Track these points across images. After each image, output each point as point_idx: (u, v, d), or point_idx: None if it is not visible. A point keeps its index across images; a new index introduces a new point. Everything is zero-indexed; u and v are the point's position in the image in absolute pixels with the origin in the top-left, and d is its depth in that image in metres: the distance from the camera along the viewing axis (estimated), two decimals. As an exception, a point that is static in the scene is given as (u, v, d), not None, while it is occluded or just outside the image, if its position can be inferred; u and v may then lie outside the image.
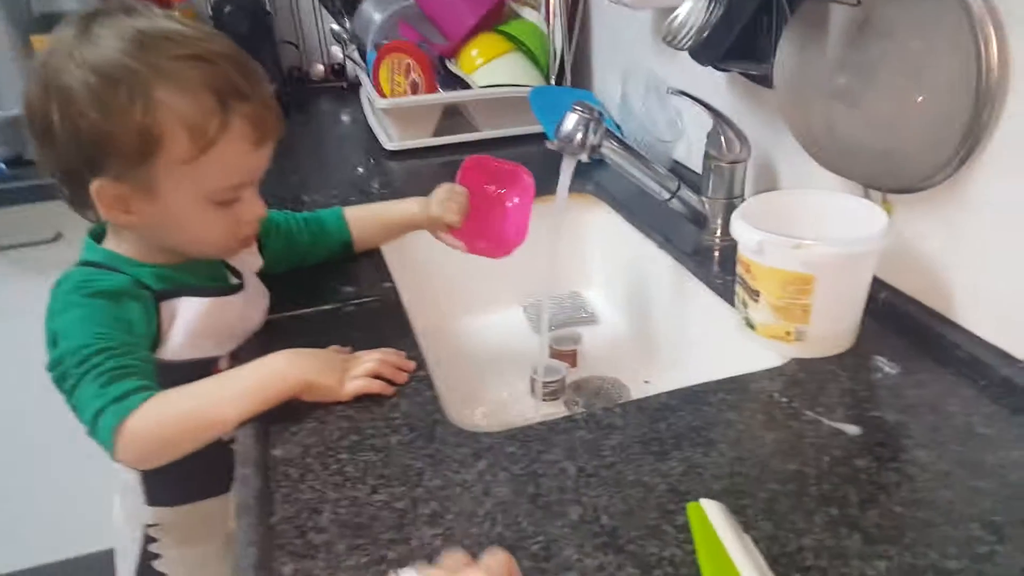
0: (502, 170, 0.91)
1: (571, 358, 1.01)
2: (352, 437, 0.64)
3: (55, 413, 1.51)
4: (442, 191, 0.88)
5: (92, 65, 0.60)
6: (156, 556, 0.83)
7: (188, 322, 0.71)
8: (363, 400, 0.68)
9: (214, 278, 0.76)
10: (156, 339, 0.70)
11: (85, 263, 0.70)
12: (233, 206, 0.69)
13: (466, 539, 0.53)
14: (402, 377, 0.70)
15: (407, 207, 0.90)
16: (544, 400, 0.95)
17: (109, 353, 0.62)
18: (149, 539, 0.83)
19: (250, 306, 0.78)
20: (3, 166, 1.35)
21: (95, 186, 0.63)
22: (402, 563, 0.51)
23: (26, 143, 1.38)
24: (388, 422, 0.65)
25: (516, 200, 0.90)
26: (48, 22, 1.48)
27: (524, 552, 0.51)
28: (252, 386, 0.65)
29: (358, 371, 0.68)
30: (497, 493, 0.57)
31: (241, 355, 0.76)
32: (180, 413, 0.63)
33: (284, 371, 0.66)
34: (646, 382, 0.96)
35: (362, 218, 0.92)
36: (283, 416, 0.66)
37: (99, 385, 0.61)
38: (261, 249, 0.84)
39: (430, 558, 0.51)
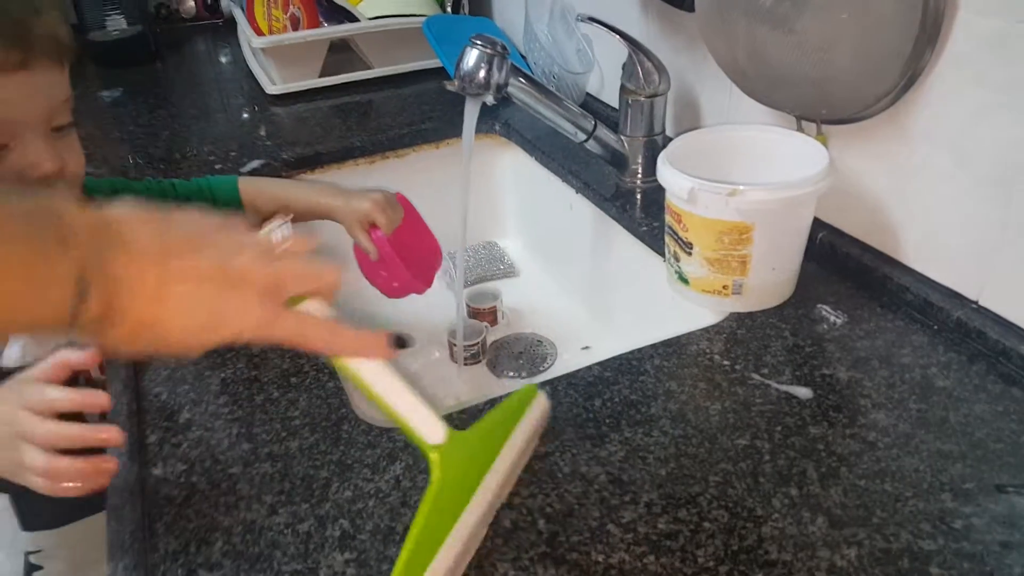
0: (425, 235, 0.78)
1: (491, 316, 0.91)
2: (244, 446, 0.52)
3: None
4: (381, 195, 0.74)
5: None
6: None
7: None
8: (255, 399, 0.56)
9: None
10: None
11: None
12: (9, 157, 0.53)
13: (383, 561, 0.43)
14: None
15: (324, 196, 0.75)
16: (465, 364, 0.85)
17: None
18: (32, 567, 0.70)
19: None
20: None
21: None
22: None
23: None
24: (285, 424, 0.54)
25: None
26: None
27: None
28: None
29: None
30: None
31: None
32: None
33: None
34: (585, 348, 0.86)
35: (262, 193, 0.77)
36: (161, 424, 0.54)
37: None
38: None
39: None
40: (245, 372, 0.59)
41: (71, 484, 0.45)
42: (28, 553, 0.70)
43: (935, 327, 0.57)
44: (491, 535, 0.45)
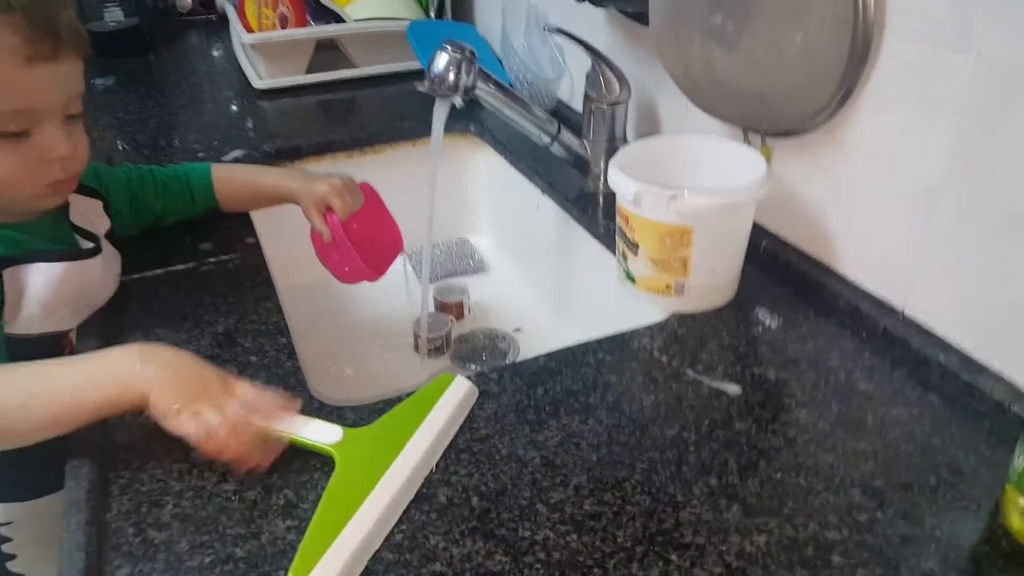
0: (387, 224, 0.78)
1: (457, 310, 0.92)
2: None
3: None
4: (340, 180, 0.74)
5: None
6: (11, 556, 0.71)
7: (41, 290, 0.58)
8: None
9: (59, 240, 0.62)
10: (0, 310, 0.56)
11: None
12: (27, 142, 0.55)
13: (320, 536, 0.44)
14: (262, 459, 0.49)
15: (286, 179, 0.76)
16: (428, 356, 0.86)
17: None
18: (2, 539, 0.70)
19: (106, 270, 0.65)
20: None
21: None
22: (249, 562, 0.42)
23: None
24: (238, 401, 0.54)
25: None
26: None
27: (387, 543, 0.43)
28: (86, 390, 0.49)
29: (213, 420, 0.49)
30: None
31: (86, 326, 0.64)
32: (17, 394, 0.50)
33: (129, 379, 0.49)
34: (516, 330, 0.88)
35: (232, 179, 0.78)
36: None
37: None
38: (107, 209, 0.69)
39: (284, 553, 0.43)
40: (209, 350, 0.60)
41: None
42: None
43: (863, 334, 0.59)
44: (427, 509, 0.46)
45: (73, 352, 0.66)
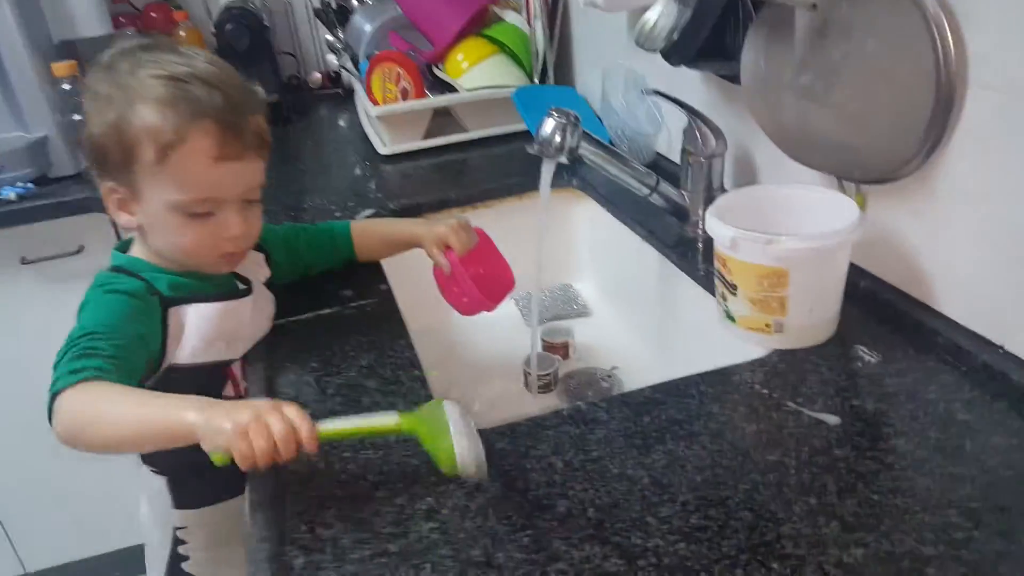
0: (500, 263, 0.87)
1: (563, 350, 0.99)
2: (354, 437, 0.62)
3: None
4: (456, 221, 0.84)
5: (98, 90, 0.66)
6: (185, 558, 0.83)
7: (199, 326, 0.71)
8: (362, 401, 0.67)
9: (222, 285, 0.75)
10: (163, 344, 0.69)
11: (112, 268, 0.72)
12: (210, 221, 0.68)
13: (460, 532, 0.52)
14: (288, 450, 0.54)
15: (411, 226, 0.88)
16: (539, 393, 0.94)
17: (92, 336, 0.62)
18: (178, 541, 0.83)
19: (258, 311, 0.78)
20: (31, 185, 1.34)
21: (103, 188, 0.69)
22: (401, 556, 0.50)
23: (51, 163, 1.38)
24: (384, 423, 0.64)
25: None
26: (68, 50, 1.47)
27: (515, 544, 0.50)
28: (155, 423, 0.58)
29: (243, 417, 0.54)
30: (488, 488, 0.55)
31: (250, 357, 0.77)
32: (92, 409, 0.59)
33: (195, 426, 0.56)
34: (614, 368, 0.94)
35: (367, 232, 0.91)
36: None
37: (69, 359, 0.60)
38: (268, 261, 0.83)
39: (428, 549, 0.51)
40: (355, 380, 0.70)
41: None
42: (176, 528, 0.82)
43: (963, 368, 0.62)
44: (548, 518, 0.52)
45: (236, 381, 0.78)
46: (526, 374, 0.94)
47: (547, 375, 0.93)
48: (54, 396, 0.59)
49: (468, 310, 0.83)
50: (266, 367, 0.74)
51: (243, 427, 0.52)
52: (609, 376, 0.95)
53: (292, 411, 0.54)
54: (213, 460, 0.54)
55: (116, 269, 0.71)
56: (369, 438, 0.61)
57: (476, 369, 1.01)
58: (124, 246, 0.76)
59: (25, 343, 1.38)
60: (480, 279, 0.81)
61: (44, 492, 1.53)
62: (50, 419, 0.60)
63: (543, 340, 1.00)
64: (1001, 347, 0.60)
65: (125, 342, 0.64)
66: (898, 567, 0.46)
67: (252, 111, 0.67)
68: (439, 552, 0.50)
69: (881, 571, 0.46)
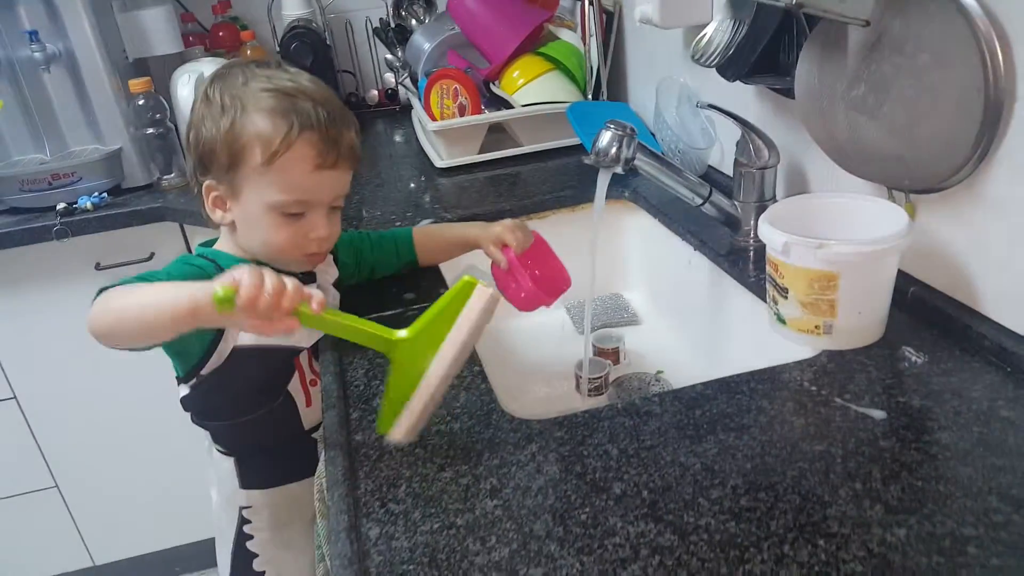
0: (555, 263, 0.93)
1: (614, 356, 1.05)
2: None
3: (168, 421, 1.63)
4: (512, 221, 0.91)
5: (213, 99, 0.76)
6: (250, 536, 0.91)
7: None
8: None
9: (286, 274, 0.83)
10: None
11: (195, 254, 0.82)
12: (300, 221, 0.76)
13: (522, 508, 0.57)
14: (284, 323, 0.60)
15: (469, 228, 0.95)
16: (589, 396, 0.99)
17: (148, 274, 0.73)
18: (243, 520, 0.91)
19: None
20: (106, 195, 1.46)
21: (204, 185, 0.78)
22: (467, 528, 0.56)
23: (125, 174, 1.51)
24: (450, 411, 0.70)
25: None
26: (141, 67, 1.60)
27: (573, 519, 0.56)
28: (180, 293, 0.63)
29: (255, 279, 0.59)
30: (547, 471, 0.61)
31: (321, 346, 0.85)
32: (128, 292, 0.68)
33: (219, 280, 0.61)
34: (660, 372, 0.99)
35: (427, 235, 0.99)
36: (360, 405, 0.73)
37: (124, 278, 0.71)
38: (336, 262, 0.91)
39: (493, 525, 0.56)
40: (420, 373, 0.77)
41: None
42: (242, 508, 0.90)
43: (1008, 369, 0.65)
44: (605, 498, 0.58)
45: (303, 373, 0.86)
46: (577, 377, 1.00)
47: (598, 379, 0.98)
48: (100, 292, 0.69)
49: (526, 305, 0.89)
50: (335, 361, 0.82)
51: (246, 276, 0.58)
52: (657, 380, 1.00)
53: (313, 293, 0.61)
54: (214, 299, 0.58)
55: (198, 255, 0.81)
56: (355, 340, 0.65)
57: (530, 372, 1.07)
58: (208, 243, 0.85)
59: (97, 345, 1.50)
60: (536, 276, 0.87)
61: (113, 487, 1.64)
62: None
63: (594, 346, 1.06)
64: (1047, 348, 0.64)
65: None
66: (939, 546, 0.50)
67: (347, 127, 0.77)
68: (503, 526, 0.56)
69: (923, 549, 0.50)
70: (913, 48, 0.68)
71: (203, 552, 1.69)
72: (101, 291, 0.69)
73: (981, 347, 0.68)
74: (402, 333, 0.65)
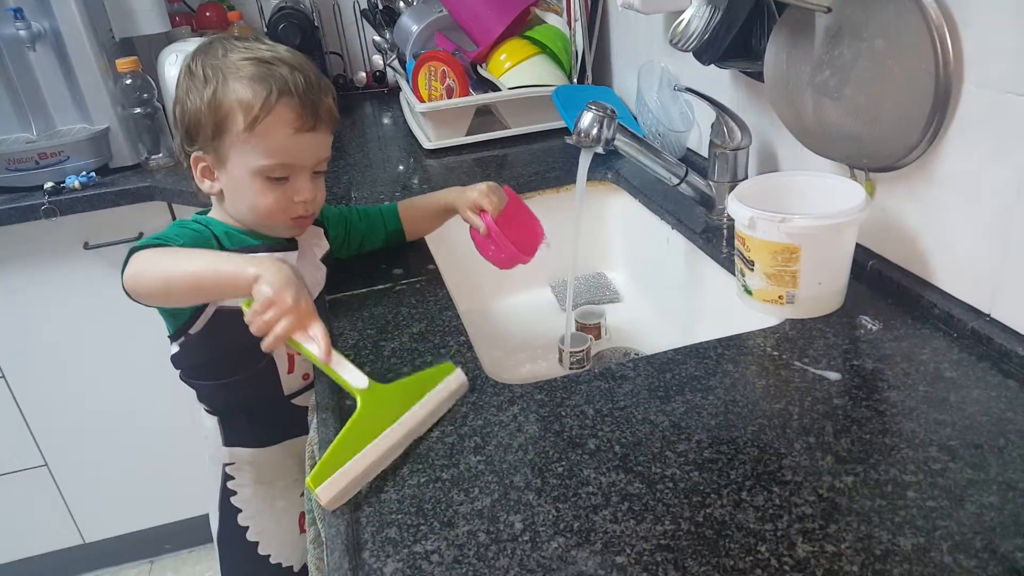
0: (529, 218, 0.98)
1: (595, 331, 1.10)
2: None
3: (156, 399, 1.68)
4: (486, 185, 0.95)
5: (195, 71, 0.80)
6: (233, 492, 0.96)
7: None
8: (416, 362, 0.78)
9: (270, 240, 0.88)
10: None
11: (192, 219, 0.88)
12: (284, 186, 0.82)
13: (504, 463, 0.63)
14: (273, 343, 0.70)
15: (446, 194, 0.99)
16: (571, 369, 1.04)
17: (166, 239, 0.79)
18: (227, 476, 0.96)
19: (302, 270, 0.89)
20: (93, 174, 1.49)
21: (192, 156, 0.82)
22: (452, 482, 0.61)
23: (113, 154, 1.54)
24: (435, 377, 0.75)
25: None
26: (127, 46, 1.63)
27: (551, 472, 0.61)
28: (226, 269, 0.73)
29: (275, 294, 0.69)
30: (528, 430, 0.66)
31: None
32: (165, 254, 0.76)
33: (259, 276, 0.71)
34: (636, 352, 1.05)
35: (410, 206, 1.04)
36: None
37: (148, 239, 0.78)
38: (327, 235, 0.96)
39: (476, 478, 0.62)
40: (408, 344, 0.82)
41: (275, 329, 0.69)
42: (225, 464, 0.96)
43: (954, 335, 0.71)
44: (580, 452, 0.63)
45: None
46: (560, 351, 1.05)
47: (580, 352, 1.03)
48: (133, 251, 0.76)
49: (505, 265, 0.94)
50: (328, 331, 0.86)
51: (271, 304, 0.69)
52: (638, 355, 1.06)
53: (318, 330, 0.69)
54: (243, 305, 0.71)
55: (193, 221, 0.87)
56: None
57: (514, 346, 1.12)
58: (203, 213, 0.90)
59: (86, 323, 1.54)
60: (515, 235, 0.92)
61: (103, 465, 1.68)
62: (123, 271, 0.76)
63: (577, 321, 1.11)
64: (988, 315, 0.70)
65: (191, 248, 0.79)
66: (882, 491, 0.56)
67: (325, 93, 0.82)
68: (485, 478, 0.62)
69: (867, 493, 0.56)
70: (870, 34, 0.73)
71: (193, 529, 1.74)
72: (133, 251, 0.76)
73: (931, 315, 0.74)
74: (363, 383, 0.69)
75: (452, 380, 0.72)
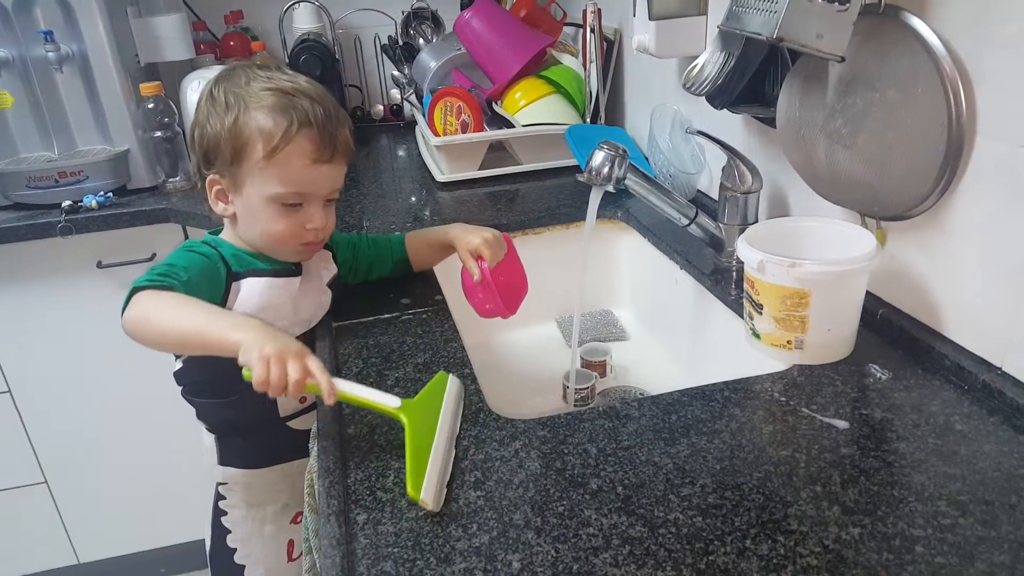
0: (519, 271, 0.97)
1: (601, 368, 1.09)
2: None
3: (160, 422, 1.67)
4: (491, 235, 0.94)
5: (217, 97, 0.81)
6: (224, 512, 0.95)
7: (249, 296, 0.85)
8: (420, 391, 0.77)
9: (277, 265, 0.88)
10: (223, 305, 0.83)
11: (203, 241, 0.88)
12: (297, 213, 0.82)
13: (504, 500, 0.61)
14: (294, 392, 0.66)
15: (449, 229, 0.99)
16: (575, 406, 1.03)
17: (172, 267, 0.78)
18: (219, 496, 0.95)
19: (305, 294, 0.90)
20: (111, 194, 1.51)
21: (208, 179, 0.83)
22: (449, 517, 0.60)
23: (131, 175, 1.55)
24: (438, 409, 0.74)
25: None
26: (151, 71, 1.66)
27: (551, 511, 0.60)
28: (212, 333, 0.70)
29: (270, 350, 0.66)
30: (529, 467, 0.65)
31: (318, 350, 0.89)
32: (164, 304, 0.73)
33: (240, 343, 0.68)
34: (642, 392, 1.03)
35: (416, 237, 1.04)
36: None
37: (152, 273, 0.76)
38: (335, 259, 0.96)
39: (475, 514, 0.60)
40: (412, 374, 0.81)
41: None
42: (218, 484, 0.95)
43: (965, 387, 0.70)
44: (582, 493, 0.62)
45: None
46: (565, 387, 1.04)
47: (584, 389, 1.02)
48: (134, 290, 0.73)
49: (488, 315, 0.94)
50: (332, 358, 0.86)
51: (266, 357, 0.65)
52: (642, 394, 1.05)
53: (314, 364, 0.66)
54: (244, 375, 0.67)
55: (203, 242, 0.87)
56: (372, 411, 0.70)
57: (518, 380, 1.11)
58: (217, 232, 0.91)
59: (97, 341, 1.54)
60: (504, 289, 0.91)
61: (102, 485, 1.67)
62: (124, 309, 0.74)
63: (582, 358, 1.10)
64: (999, 368, 0.68)
65: (196, 280, 0.78)
66: (890, 544, 0.54)
67: (343, 125, 0.82)
68: (484, 515, 0.60)
69: (874, 546, 0.54)
70: (884, 84, 0.73)
71: (188, 554, 1.71)
72: (135, 290, 0.73)
73: (941, 366, 0.73)
74: (396, 402, 0.69)
75: (453, 383, 0.76)
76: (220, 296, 0.82)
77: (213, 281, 0.82)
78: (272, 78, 0.81)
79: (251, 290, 0.84)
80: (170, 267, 0.78)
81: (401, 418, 0.68)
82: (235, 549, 0.97)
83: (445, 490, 0.63)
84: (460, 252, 0.95)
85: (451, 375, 0.77)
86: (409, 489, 0.61)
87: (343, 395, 0.68)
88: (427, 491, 0.61)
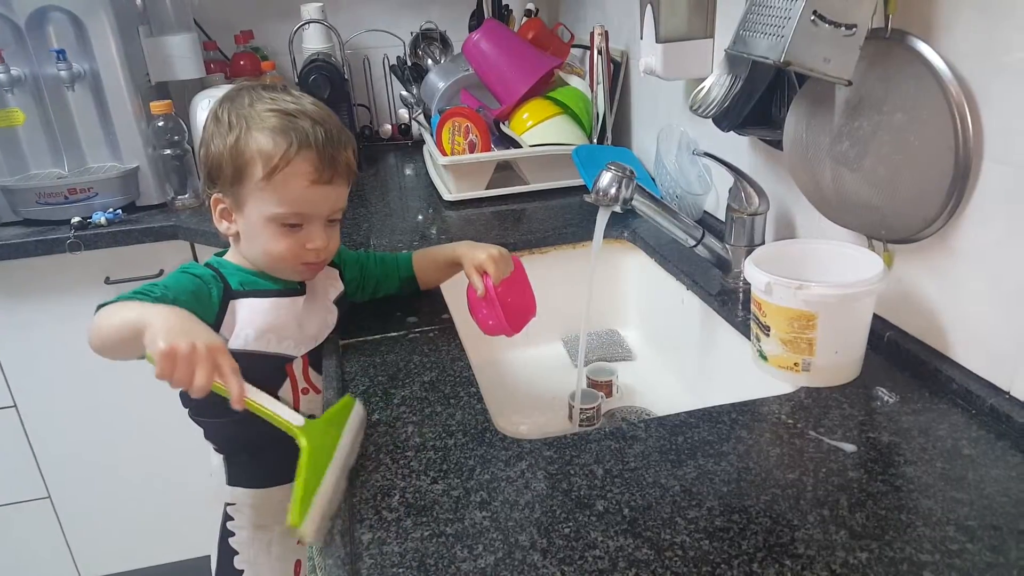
0: (527, 293, 0.98)
1: (607, 388, 1.09)
2: (416, 439, 0.73)
3: (165, 439, 1.67)
4: (497, 251, 0.95)
5: (221, 117, 0.82)
6: (231, 533, 0.95)
7: (252, 315, 0.85)
8: (426, 411, 0.78)
9: (281, 284, 0.88)
10: (215, 327, 0.83)
11: (205, 264, 0.89)
12: (298, 233, 0.83)
13: (509, 521, 0.61)
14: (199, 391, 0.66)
15: (456, 246, 1.00)
16: (580, 426, 1.03)
17: (145, 287, 0.77)
18: (227, 517, 0.95)
19: (310, 312, 0.90)
20: (120, 211, 1.52)
21: (212, 198, 0.85)
22: (458, 537, 0.60)
23: (140, 192, 1.57)
24: (446, 428, 0.75)
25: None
26: (163, 91, 1.68)
27: (557, 532, 0.60)
28: (140, 321, 0.68)
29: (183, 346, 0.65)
30: (535, 487, 0.65)
31: (324, 367, 0.89)
32: (112, 310, 0.72)
33: (146, 320, 0.68)
34: (648, 413, 1.03)
35: (423, 256, 1.04)
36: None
37: (120, 295, 0.76)
38: (342, 277, 0.97)
39: (480, 535, 0.60)
40: (418, 393, 0.81)
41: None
42: (226, 504, 0.95)
43: (972, 411, 0.70)
44: (588, 514, 0.62)
45: (295, 381, 0.91)
46: (571, 407, 1.04)
47: (590, 409, 1.02)
48: (98, 308, 0.74)
49: (491, 332, 0.94)
50: (338, 377, 0.86)
51: (173, 354, 0.64)
52: (649, 415, 1.04)
53: (226, 364, 0.66)
54: (147, 359, 0.66)
55: (204, 264, 0.88)
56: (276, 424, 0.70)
57: (524, 400, 1.11)
58: (222, 254, 0.91)
59: (99, 359, 1.55)
60: (508, 307, 0.92)
61: (106, 501, 1.67)
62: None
63: (588, 378, 1.10)
64: (1007, 392, 0.68)
65: (177, 299, 0.77)
66: (897, 570, 0.54)
67: (344, 146, 0.83)
68: (490, 535, 0.60)
69: (882, 571, 0.54)
70: (890, 108, 0.74)
71: (190, 571, 1.71)
72: (100, 307, 0.74)
73: (949, 390, 0.73)
74: (299, 421, 0.69)
75: (358, 411, 0.75)
76: (211, 317, 0.82)
77: (201, 302, 0.81)
78: (276, 99, 0.82)
79: (252, 309, 0.85)
80: (150, 286, 0.78)
81: (301, 440, 0.67)
82: (242, 571, 0.97)
83: (329, 523, 0.63)
84: (466, 267, 0.96)
85: (357, 400, 0.75)
86: (291, 516, 0.60)
87: (251, 404, 0.69)
88: (310, 521, 0.61)
